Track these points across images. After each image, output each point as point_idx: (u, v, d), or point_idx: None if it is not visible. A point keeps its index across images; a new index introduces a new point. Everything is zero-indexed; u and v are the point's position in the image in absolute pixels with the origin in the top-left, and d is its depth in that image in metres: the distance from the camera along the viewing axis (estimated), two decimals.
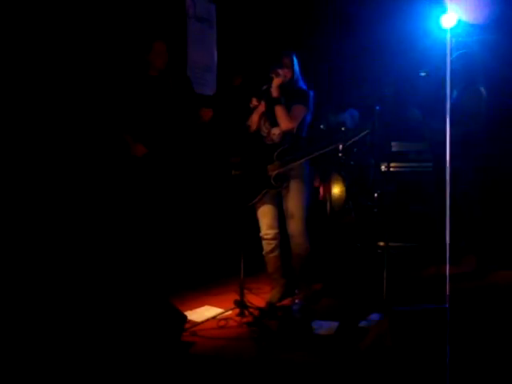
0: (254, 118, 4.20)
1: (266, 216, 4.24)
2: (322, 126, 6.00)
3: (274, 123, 4.11)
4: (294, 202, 4.15)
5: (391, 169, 5.46)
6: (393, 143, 5.48)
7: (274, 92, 4.03)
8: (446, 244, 4.89)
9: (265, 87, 4.01)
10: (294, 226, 4.18)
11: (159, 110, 4.42)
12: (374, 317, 3.62)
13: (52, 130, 4.26)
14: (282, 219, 4.26)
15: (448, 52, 5.08)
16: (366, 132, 3.82)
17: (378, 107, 5.44)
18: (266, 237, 4.25)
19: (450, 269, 4.51)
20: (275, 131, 4.12)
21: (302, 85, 4.21)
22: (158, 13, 5.27)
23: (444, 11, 6.05)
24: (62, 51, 4.36)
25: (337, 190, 6.08)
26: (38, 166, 4.10)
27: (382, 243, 5.32)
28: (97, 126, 4.58)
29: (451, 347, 2.42)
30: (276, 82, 4.01)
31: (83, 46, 4.50)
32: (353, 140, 3.87)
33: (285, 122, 4.04)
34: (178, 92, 4.51)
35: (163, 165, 4.45)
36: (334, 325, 3.68)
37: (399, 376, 2.50)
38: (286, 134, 4.09)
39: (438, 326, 2.55)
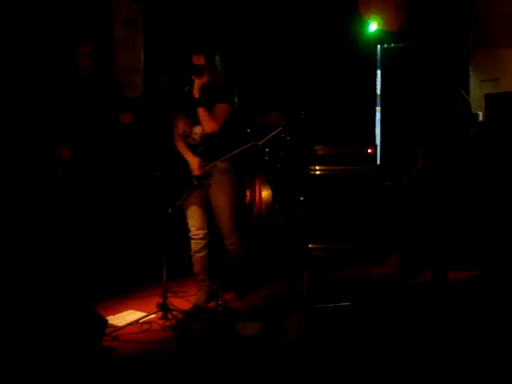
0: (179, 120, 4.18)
1: (194, 216, 4.21)
2: (248, 130, 6.05)
3: (196, 122, 4.08)
4: (221, 201, 4.17)
5: (317, 172, 5.54)
6: (317, 147, 5.56)
7: (196, 93, 4.01)
8: (369, 245, 5.04)
9: (187, 88, 4.01)
10: (223, 226, 4.23)
11: (86, 112, 4.35)
12: (296, 317, 3.65)
13: None
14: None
15: (374, 57, 5.19)
16: (278, 130, 3.85)
17: (303, 112, 5.55)
18: (194, 237, 4.23)
19: (372, 269, 4.64)
20: (197, 131, 4.10)
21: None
22: (84, 15, 5.20)
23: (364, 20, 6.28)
24: None
25: (263, 193, 6.14)
26: None
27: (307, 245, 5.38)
28: (21, 128, 4.48)
29: (368, 341, 2.47)
30: (197, 83, 3.99)
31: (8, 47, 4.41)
32: (267, 138, 3.87)
33: (208, 124, 4.01)
34: (106, 94, 4.45)
35: (88, 168, 4.37)
36: (257, 326, 3.71)
37: (316, 370, 2.53)
38: (207, 134, 4.07)
39: (355, 321, 2.60)
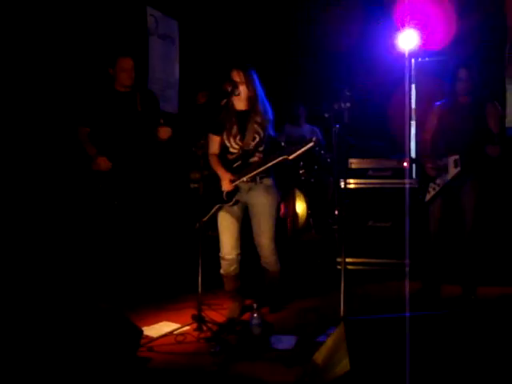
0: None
1: (227, 235, 4.17)
2: (282, 144, 6.05)
3: (238, 136, 4.10)
4: (263, 219, 4.15)
5: (351, 185, 5.51)
6: (351, 160, 5.54)
7: (241, 105, 4.13)
8: (405, 259, 4.95)
9: (224, 101, 4.02)
10: (264, 244, 4.19)
11: (125, 125, 4.40)
12: (332, 330, 3.60)
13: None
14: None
15: (407, 71, 5.14)
16: (310, 145, 3.75)
17: (337, 125, 5.51)
18: (226, 257, 4.19)
19: (408, 284, 4.56)
20: (236, 146, 4.11)
21: (264, 103, 4.17)
22: (120, 29, 5.28)
23: (403, 34, 6.24)
24: (27, 64, 4.38)
25: (298, 207, 6.12)
26: None
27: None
28: (60, 141, 4.58)
29: (410, 356, 2.42)
30: (243, 95, 4.08)
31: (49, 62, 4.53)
32: (298, 153, 3.76)
33: None
34: (145, 108, 4.50)
35: (125, 180, 4.41)
36: (292, 339, 3.67)
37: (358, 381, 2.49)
38: (244, 150, 4.08)
39: (396, 335, 2.55)
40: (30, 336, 3.05)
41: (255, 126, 4.07)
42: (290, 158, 3.84)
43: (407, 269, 4.78)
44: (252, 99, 4.10)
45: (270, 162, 3.94)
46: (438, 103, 4.69)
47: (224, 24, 6.56)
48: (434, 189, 4.55)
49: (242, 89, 4.07)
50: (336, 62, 6.70)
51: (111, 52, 4.54)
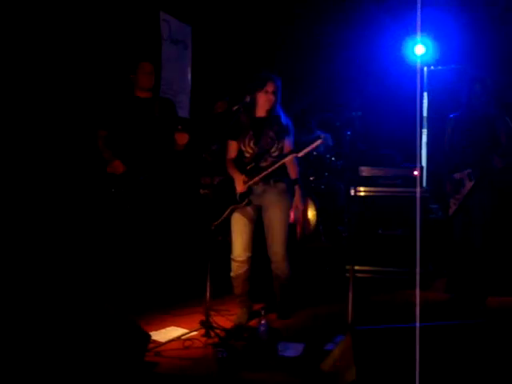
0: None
1: (240, 236, 4.19)
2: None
3: (253, 140, 4.16)
4: (276, 225, 4.17)
5: (361, 193, 5.50)
6: (362, 168, 5.53)
7: (262, 112, 4.19)
8: (415, 268, 4.92)
9: (236, 107, 4.04)
10: (276, 249, 4.20)
11: (143, 130, 4.42)
12: (340, 339, 3.59)
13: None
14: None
15: (418, 79, 5.13)
16: (318, 142, 3.83)
17: (348, 132, 5.52)
18: (237, 259, 4.20)
19: (418, 293, 4.53)
20: (250, 150, 4.16)
21: (281, 113, 4.26)
22: (134, 35, 5.31)
23: (416, 41, 6.22)
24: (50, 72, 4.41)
25: (308, 213, 6.10)
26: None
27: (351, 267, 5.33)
28: (77, 144, 4.60)
29: (420, 367, 2.39)
30: (267, 102, 4.15)
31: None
32: (306, 150, 3.90)
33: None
34: (163, 114, 4.52)
35: (139, 184, 4.42)
36: (299, 346, 3.66)
37: None
38: (257, 153, 4.13)
39: (404, 345, 2.54)
40: (36, 339, 3.07)
41: (271, 132, 4.13)
42: (299, 155, 4.00)
43: (417, 278, 4.75)
44: (274, 108, 4.19)
45: (280, 161, 4.05)
46: (451, 116, 4.73)
47: (237, 30, 6.57)
48: (454, 203, 4.62)
49: (272, 97, 4.14)
50: (347, 70, 6.69)
51: (128, 58, 4.58)
